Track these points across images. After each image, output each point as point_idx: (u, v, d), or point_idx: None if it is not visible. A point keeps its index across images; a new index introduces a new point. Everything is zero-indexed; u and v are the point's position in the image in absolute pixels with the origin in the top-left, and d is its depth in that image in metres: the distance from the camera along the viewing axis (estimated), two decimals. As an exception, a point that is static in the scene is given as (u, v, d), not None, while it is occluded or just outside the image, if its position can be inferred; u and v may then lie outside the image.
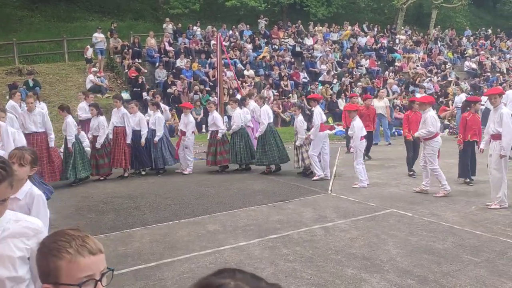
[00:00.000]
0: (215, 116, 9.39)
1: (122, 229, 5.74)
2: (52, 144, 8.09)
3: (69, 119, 8.46)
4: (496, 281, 4.04)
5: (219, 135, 9.30)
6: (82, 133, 9.84)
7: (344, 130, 14.32)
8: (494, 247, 4.88)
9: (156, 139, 9.20)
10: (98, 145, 8.75)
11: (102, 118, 8.85)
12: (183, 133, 9.47)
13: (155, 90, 14.65)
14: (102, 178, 8.95)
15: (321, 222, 5.88)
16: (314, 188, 7.85)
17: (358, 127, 7.97)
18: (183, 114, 9.67)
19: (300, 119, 8.76)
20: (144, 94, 15.06)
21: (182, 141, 9.48)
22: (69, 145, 8.38)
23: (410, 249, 4.83)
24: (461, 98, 15.16)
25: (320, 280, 4.10)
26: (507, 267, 4.34)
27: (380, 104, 12.48)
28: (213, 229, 5.67)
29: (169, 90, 15.53)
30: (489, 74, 22.42)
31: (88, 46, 16.91)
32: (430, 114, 7.21)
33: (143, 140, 9.04)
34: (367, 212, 6.30)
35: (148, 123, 9.31)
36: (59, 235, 1.32)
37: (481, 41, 26.65)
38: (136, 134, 9.12)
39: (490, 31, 28.51)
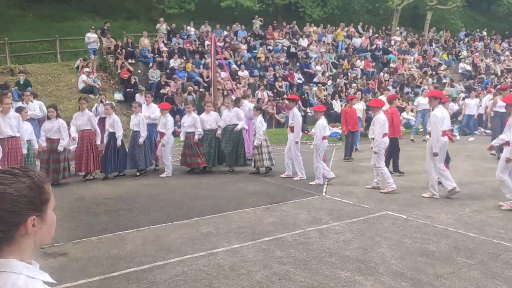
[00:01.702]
0: (194, 117, 9.40)
1: (114, 231, 5.67)
2: (25, 150, 7.50)
3: (26, 123, 8.04)
4: (490, 283, 4.03)
5: (196, 137, 9.31)
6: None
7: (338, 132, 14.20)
8: (488, 249, 4.88)
9: (141, 140, 9.08)
10: (60, 148, 8.37)
11: (62, 121, 8.53)
12: (162, 134, 9.37)
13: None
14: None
15: (315, 224, 5.85)
16: (308, 190, 7.83)
17: (319, 126, 8.25)
18: (161, 115, 9.61)
19: (259, 119, 9.07)
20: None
21: (161, 143, 9.32)
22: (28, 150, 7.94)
23: (404, 252, 4.82)
24: (424, 101, 15.39)
25: (314, 283, 4.07)
26: (500, 269, 4.34)
27: (358, 107, 12.44)
28: (206, 231, 5.61)
29: (162, 91, 15.45)
30: (483, 76, 22.54)
31: (83, 60, 16.81)
32: (379, 117, 7.71)
33: (119, 142, 8.91)
34: (362, 215, 6.28)
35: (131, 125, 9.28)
36: None
37: (475, 43, 26.81)
38: (111, 136, 9.00)
39: (484, 33, 28.66)
